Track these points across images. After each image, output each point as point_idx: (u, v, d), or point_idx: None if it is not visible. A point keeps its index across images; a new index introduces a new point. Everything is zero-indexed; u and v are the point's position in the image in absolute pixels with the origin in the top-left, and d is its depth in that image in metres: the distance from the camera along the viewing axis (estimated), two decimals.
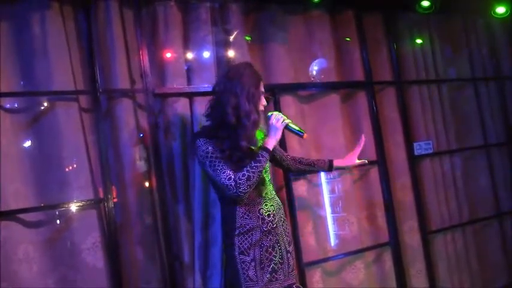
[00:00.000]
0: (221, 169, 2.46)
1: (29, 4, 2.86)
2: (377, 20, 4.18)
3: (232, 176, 2.44)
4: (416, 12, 4.14)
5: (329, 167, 3.03)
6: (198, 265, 3.10)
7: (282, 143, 3.42)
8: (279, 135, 2.58)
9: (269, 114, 2.64)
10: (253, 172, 2.45)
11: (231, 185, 2.44)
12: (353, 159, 3.04)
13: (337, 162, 3.04)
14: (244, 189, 2.44)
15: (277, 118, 2.58)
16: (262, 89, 2.66)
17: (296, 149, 3.55)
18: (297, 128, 2.64)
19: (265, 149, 2.53)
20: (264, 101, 2.66)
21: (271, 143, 2.55)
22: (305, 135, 2.63)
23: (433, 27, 4.51)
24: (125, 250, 2.95)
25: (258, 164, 2.47)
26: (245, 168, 2.46)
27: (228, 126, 2.52)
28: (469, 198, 4.50)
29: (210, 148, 2.50)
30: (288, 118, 2.62)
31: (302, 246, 3.49)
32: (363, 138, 3.07)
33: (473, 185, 4.59)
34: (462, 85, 4.72)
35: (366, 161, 3.11)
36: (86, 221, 2.88)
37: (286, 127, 2.60)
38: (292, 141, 3.52)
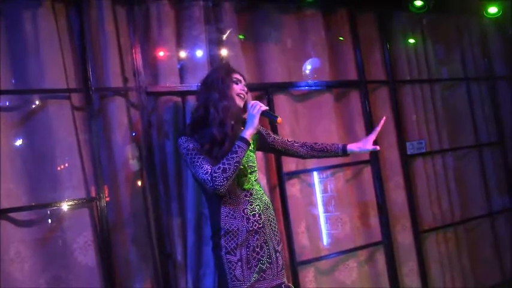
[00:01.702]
0: (200, 164, 2.44)
1: (21, 2, 2.83)
2: (370, 20, 4.19)
3: (209, 170, 2.42)
4: (409, 12, 4.15)
5: (343, 152, 2.92)
6: (191, 264, 3.09)
7: None
8: (255, 123, 2.52)
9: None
10: (229, 164, 2.41)
11: (207, 179, 2.41)
12: (369, 143, 2.91)
13: (351, 147, 2.91)
14: (221, 182, 2.39)
15: (253, 106, 2.54)
16: (238, 76, 2.65)
17: None
18: (272, 113, 2.64)
19: (242, 139, 2.48)
20: (242, 88, 2.64)
21: (248, 132, 2.50)
22: (279, 120, 2.58)
23: (426, 27, 4.53)
24: (117, 249, 2.94)
25: (234, 155, 2.43)
26: (221, 161, 2.43)
27: (205, 120, 2.53)
28: (461, 198, 4.51)
29: (190, 145, 2.49)
30: (264, 106, 2.57)
31: (295, 245, 3.49)
32: (383, 121, 2.93)
33: (465, 184, 4.61)
34: (454, 85, 4.75)
35: (378, 148, 2.95)
36: (78, 220, 2.86)
37: (263, 113, 2.54)
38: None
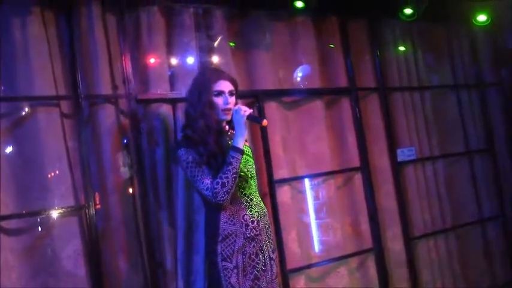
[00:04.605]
0: (200, 179, 2.45)
1: (10, 9, 2.81)
2: (361, 27, 4.20)
3: (209, 186, 2.43)
4: (399, 20, 4.17)
5: None
6: (181, 272, 3.07)
7: (266, 150, 3.43)
8: (244, 129, 2.51)
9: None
10: (227, 177, 2.42)
11: (209, 195, 2.43)
12: None
13: None
14: (222, 197, 2.42)
15: (237, 111, 2.52)
16: (223, 88, 2.59)
17: (280, 155, 3.57)
18: (256, 116, 2.64)
19: (234, 149, 2.48)
20: (226, 101, 2.57)
21: (239, 140, 2.50)
22: (264, 122, 2.57)
23: (416, 35, 4.55)
24: (106, 258, 2.91)
25: (230, 167, 2.44)
26: (218, 175, 2.44)
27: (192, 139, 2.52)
28: (452, 204, 4.53)
29: (190, 157, 2.48)
30: (248, 109, 2.54)
31: (286, 252, 3.48)
32: None
33: (456, 190, 4.62)
34: (444, 92, 4.77)
35: None
36: (67, 228, 2.84)
37: (248, 117, 2.51)
38: (277, 148, 3.52)
